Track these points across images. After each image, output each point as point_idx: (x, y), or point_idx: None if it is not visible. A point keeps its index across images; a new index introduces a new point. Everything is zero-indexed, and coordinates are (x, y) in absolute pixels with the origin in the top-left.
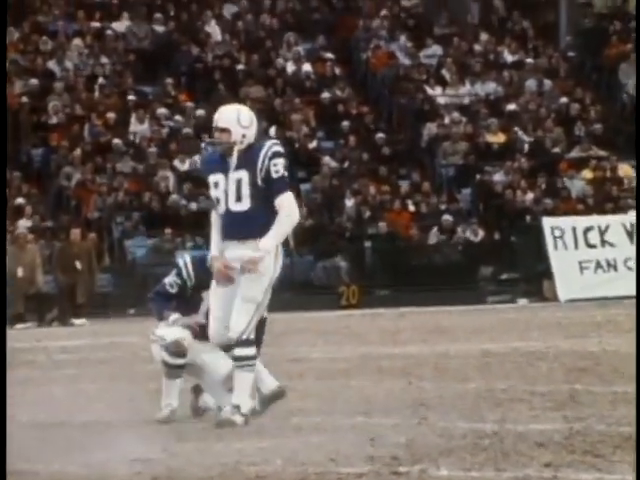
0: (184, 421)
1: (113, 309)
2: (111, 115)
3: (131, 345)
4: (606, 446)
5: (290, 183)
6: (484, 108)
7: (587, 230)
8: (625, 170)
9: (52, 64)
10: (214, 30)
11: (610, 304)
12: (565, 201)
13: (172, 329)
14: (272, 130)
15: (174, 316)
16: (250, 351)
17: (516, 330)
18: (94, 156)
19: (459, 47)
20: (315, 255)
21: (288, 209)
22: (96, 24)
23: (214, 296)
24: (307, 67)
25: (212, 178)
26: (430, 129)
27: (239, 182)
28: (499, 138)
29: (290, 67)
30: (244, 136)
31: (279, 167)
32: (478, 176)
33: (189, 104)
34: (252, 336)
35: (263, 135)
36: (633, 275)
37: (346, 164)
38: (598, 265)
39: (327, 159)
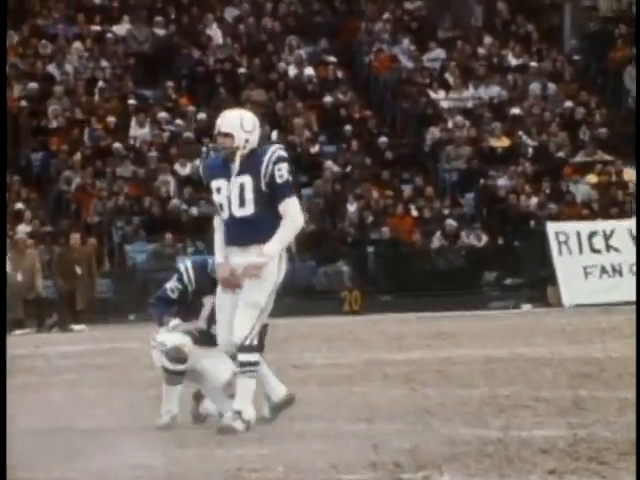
0: (185, 427)
1: (113, 315)
2: (111, 119)
3: (131, 351)
4: (611, 453)
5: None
6: (488, 112)
7: (592, 235)
8: (630, 174)
9: (52, 68)
10: (215, 33)
11: (615, 310)
12: (570, 206)
13: (173, 335)
14: (274, 134)
15: (174, 322)
16: (253, 357)
17: (520, 336)
18: (94, 160)
19: (463, 50)
20: (317, 260)
21: (293, 214)
22: (96, 27)
23: (220, 303)
24: (309, 71)
25: (214, 184)
26: (433, 133)
27: (242, 187)
28: (503, 142)
29: (292, 71)
30: (247, 141)
31: (283, 172)
32: (482, 181)
33: (190, 108)
34: (255, 342)
35: (265, 139)
36: None
37: (348, 168)
38: (603, 270)
39: (329, 163)
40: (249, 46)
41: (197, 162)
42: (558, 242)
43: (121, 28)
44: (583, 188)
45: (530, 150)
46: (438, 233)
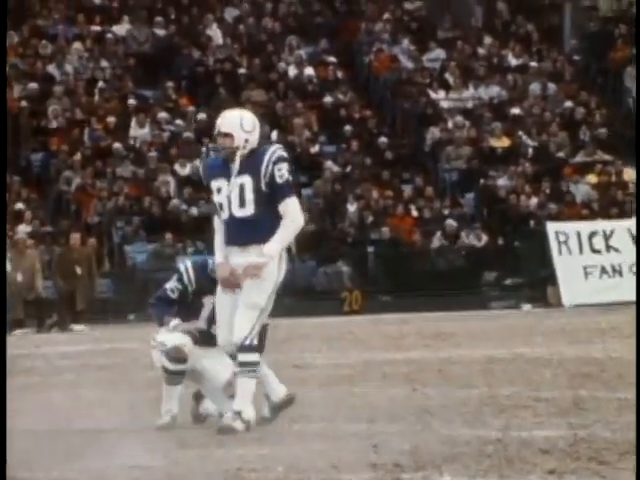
0: (185, 427)
1: (113, 315)
2: (111, 119)
3: (131, 351)
4: (611, 453)
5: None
6: (488, 112)
7: (592, 235)
8: (630, 174)
9: (52, 68)
10: (215, 33)
11: (615, 310)
12: (570, 206)
13: (173, 335)
14: (274, 134)
15: (175, 322)
16: (253, 357)
17: (520, 336)
18: (94, 160)
19: (462, 50)
20: (317, 260)
21: (293, 214)
22: (96, 28)
23: (221, 303)
24: (309, 71)
25: (214, 184)
26: (433, 133)
27: (242, 187)
28: (503, 142)
29: (292, 71)
30: (247, 141)
31: (284, 172)
32: (482, 181)
33: (190, 108)
34: (255, 342)
35: (265, 139)
36: None
37: (348, 169)
38: (603, 270)
39: (329, 163)
40: (249, 46)
41: (197, 162)
42: (558, 242)
43: (121, 28)
44: (583, 188)
45: (530, 150)
46: (438, 233)
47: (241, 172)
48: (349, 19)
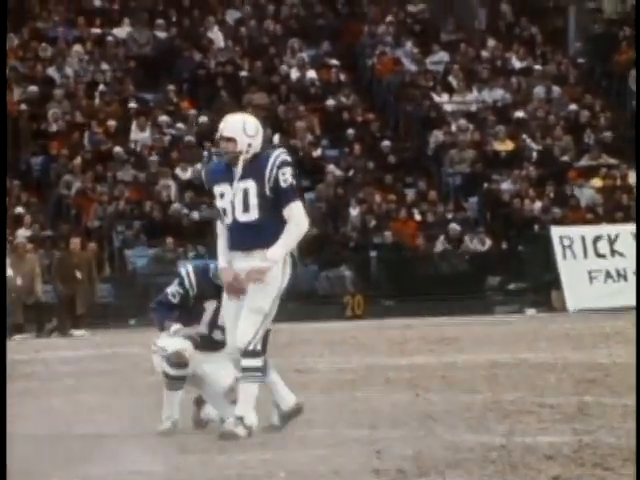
0: (186, 433)
1: (113, 319)
2: (112, 123)
3: (132, 356)
4: (616, 459)
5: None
6: (491, 115)
7: (596, 239)
8: (635, 178)
9: (52, 71)
10: (217, 36)
11: (620, 314)
12: (574, 210)
13: (173, 340)
14: (276, 138)
15: (175, 326)
16: (257, 362)
17: (524, 341)
18: (94, 164)
19: (466, 53)
20: (320, 265)
21: (297, 218)
22: (97, 30)
23: (227, 311)
24: (311, 74)
25: (217, 188)
26: (437, 137)
27: (246, 192)
28: (507, 146)
29: (294, 74)
30: (250, 145)
31: (287, 176)
32: (485, 184)
33: (191, 111)
34: (259, 347)
35: (267, 143)
36: None
37: (351, 172)
38: (608, 275)
39: (332, 167)
40: (251, 49)
41: (198, 166)
42: (562, 246)
43: (122, 31)
44: (588, 192)
45: (534, 154)
46: (441, 237)
47: (244, 177)
48: (351, 21)
